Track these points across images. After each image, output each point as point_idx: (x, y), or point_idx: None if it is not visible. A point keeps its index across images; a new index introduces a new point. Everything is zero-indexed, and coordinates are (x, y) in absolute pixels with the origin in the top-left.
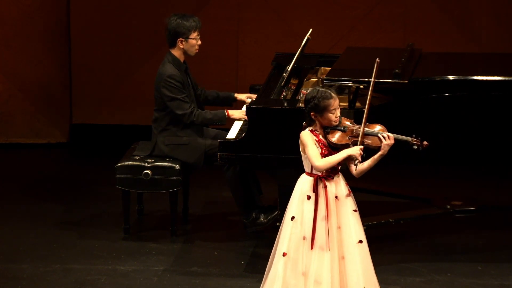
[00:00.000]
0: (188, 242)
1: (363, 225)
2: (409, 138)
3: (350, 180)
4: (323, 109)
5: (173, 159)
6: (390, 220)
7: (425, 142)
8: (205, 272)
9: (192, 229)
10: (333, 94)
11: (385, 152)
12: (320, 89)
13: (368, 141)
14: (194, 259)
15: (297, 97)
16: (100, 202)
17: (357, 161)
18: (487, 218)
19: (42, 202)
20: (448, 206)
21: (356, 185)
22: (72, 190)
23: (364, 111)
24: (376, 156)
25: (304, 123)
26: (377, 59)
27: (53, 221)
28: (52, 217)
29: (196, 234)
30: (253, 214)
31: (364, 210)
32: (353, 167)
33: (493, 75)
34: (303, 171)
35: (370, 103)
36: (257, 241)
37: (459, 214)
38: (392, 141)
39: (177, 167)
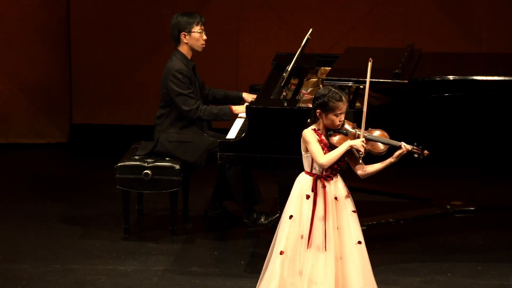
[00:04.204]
0: (188, 242)
1: (363, 225)
2: (410, 147)
3: (350, 179)
4: (330, 109)
5: (173, 158)
6: (390, 220)
7: (426, 151)
8: (205, 272)
9: (192, 229)
10: (343, 98)
11: (397, 160)
12: (333, 89)
13: (369, 146)
14: (194, 259)
15: (297, 97)
16: (100, 202)
17: (360, 153)
18: (487, 218)
19: (42, 202)
20: (448, 206)
21: (356, 185)
22: (72, 190)
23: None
24: (387, 161)
25: (308, 120)
26: (370, 59)
27: (53, 221)
28: (52, 217)
29: (196, 234)
30: (254, 215)
31: (364, 210)
32: (358, 168)
33: (493, 75)
34: (302, 170)
35: (367, 107)
36: (257, 241)
37: (459, 214)
38: (405, 151)
39: (177, 167)
